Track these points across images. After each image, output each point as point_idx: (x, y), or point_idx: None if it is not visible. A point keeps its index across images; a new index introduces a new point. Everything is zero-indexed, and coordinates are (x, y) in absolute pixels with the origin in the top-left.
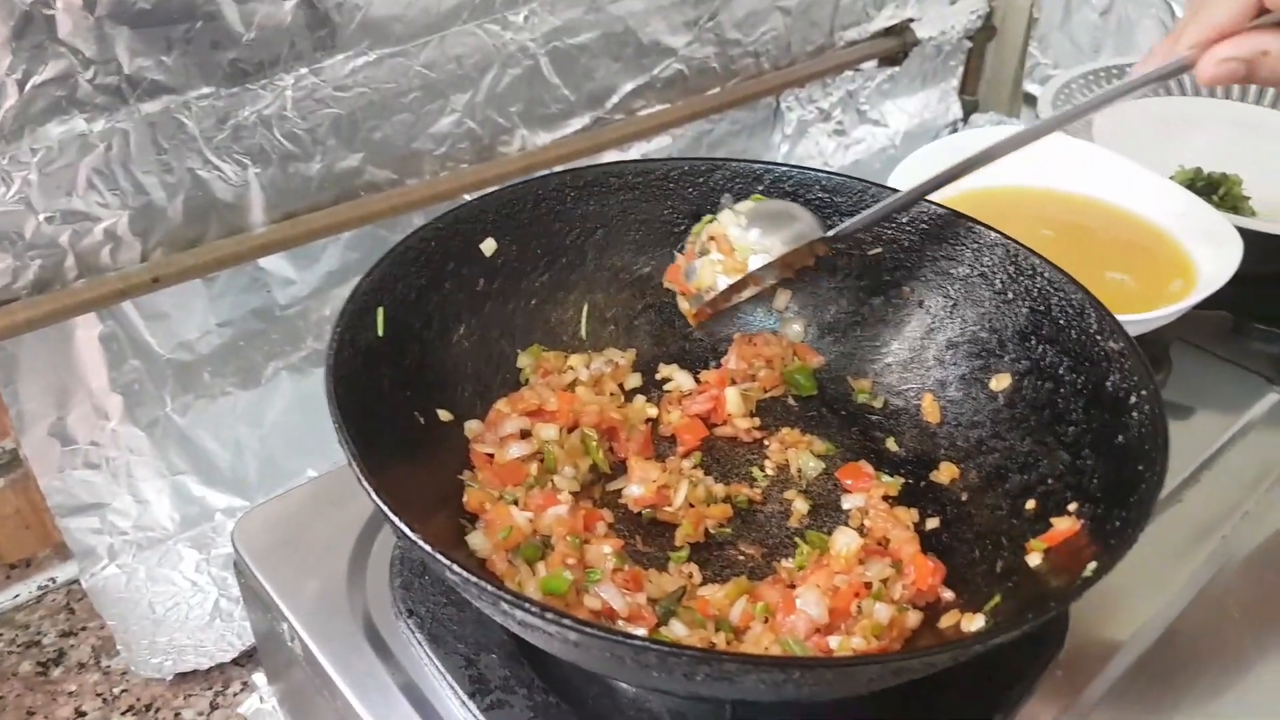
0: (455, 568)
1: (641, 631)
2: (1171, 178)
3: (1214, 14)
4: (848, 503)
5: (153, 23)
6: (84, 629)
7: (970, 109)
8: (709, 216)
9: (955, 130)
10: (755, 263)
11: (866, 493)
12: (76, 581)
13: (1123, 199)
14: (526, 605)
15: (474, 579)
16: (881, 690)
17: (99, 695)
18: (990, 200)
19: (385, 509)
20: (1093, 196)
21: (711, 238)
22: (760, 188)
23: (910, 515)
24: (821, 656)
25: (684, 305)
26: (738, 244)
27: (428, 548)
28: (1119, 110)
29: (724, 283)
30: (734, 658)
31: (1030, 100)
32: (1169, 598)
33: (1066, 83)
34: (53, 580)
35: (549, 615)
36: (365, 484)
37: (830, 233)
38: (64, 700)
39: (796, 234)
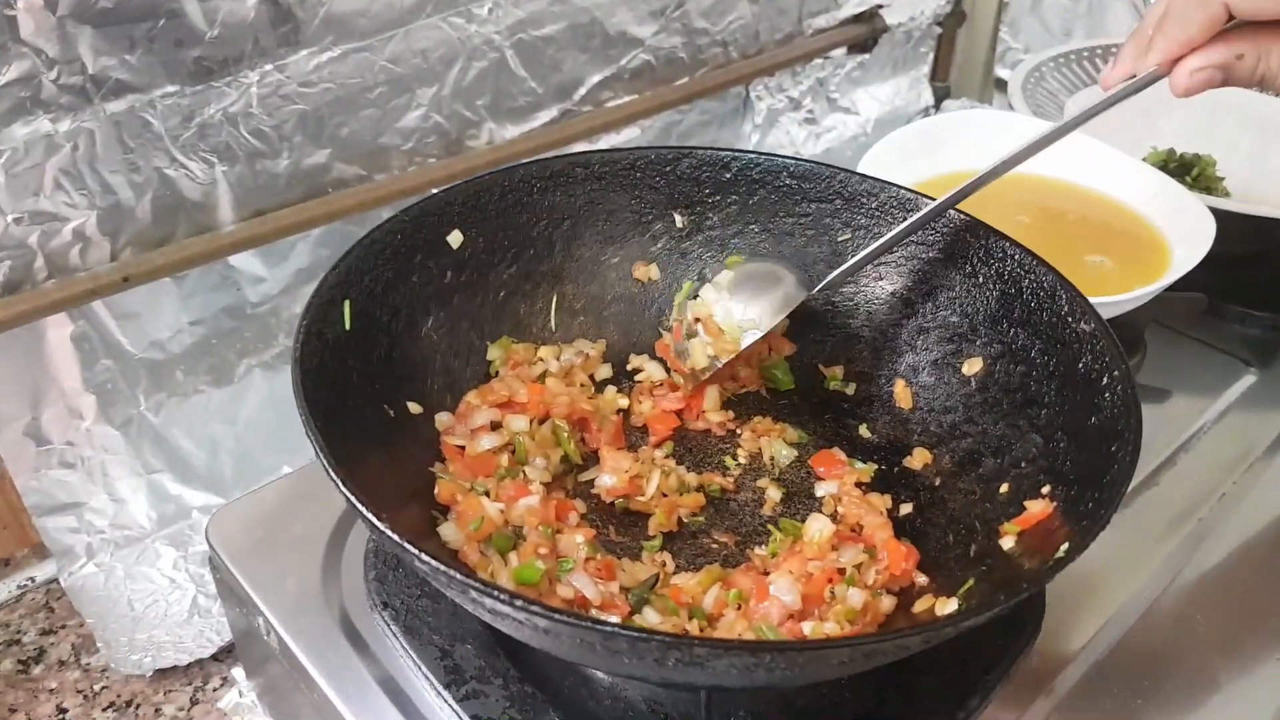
0: (424, 557)
1: (614, 619)
2: (1144, 159)
3: (1182, 28)
4: (821, 490)
5: (115, 21)
6: (64, 627)
7: (942, 95)
8: (690, 284)
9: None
10: (748, 340)
11: (839, 480)
12: (55, 580)
13: (1095, 181)
14: (495, 593)
15: (443, 568)
16: (859, 676)
17: (80, 692)
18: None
19: (353, 500)
20: (1065, 179)
21: (698, 319)
22: (728, 175)
23: (884, 501)
24: (792, 640)
25: (678, 377)
26: (726, 325)
27: (395, 537)
28: (1091, 93)
29: (719, 364)
30: (704, 642)
31: (1002, 85)
32: (1146, 580)
33: (1036, 66)
34: (32, 579)
35: (518, 603)
36: (333, 476)
37: (816, 289)
38: (45, 697)
39: (783, 299)
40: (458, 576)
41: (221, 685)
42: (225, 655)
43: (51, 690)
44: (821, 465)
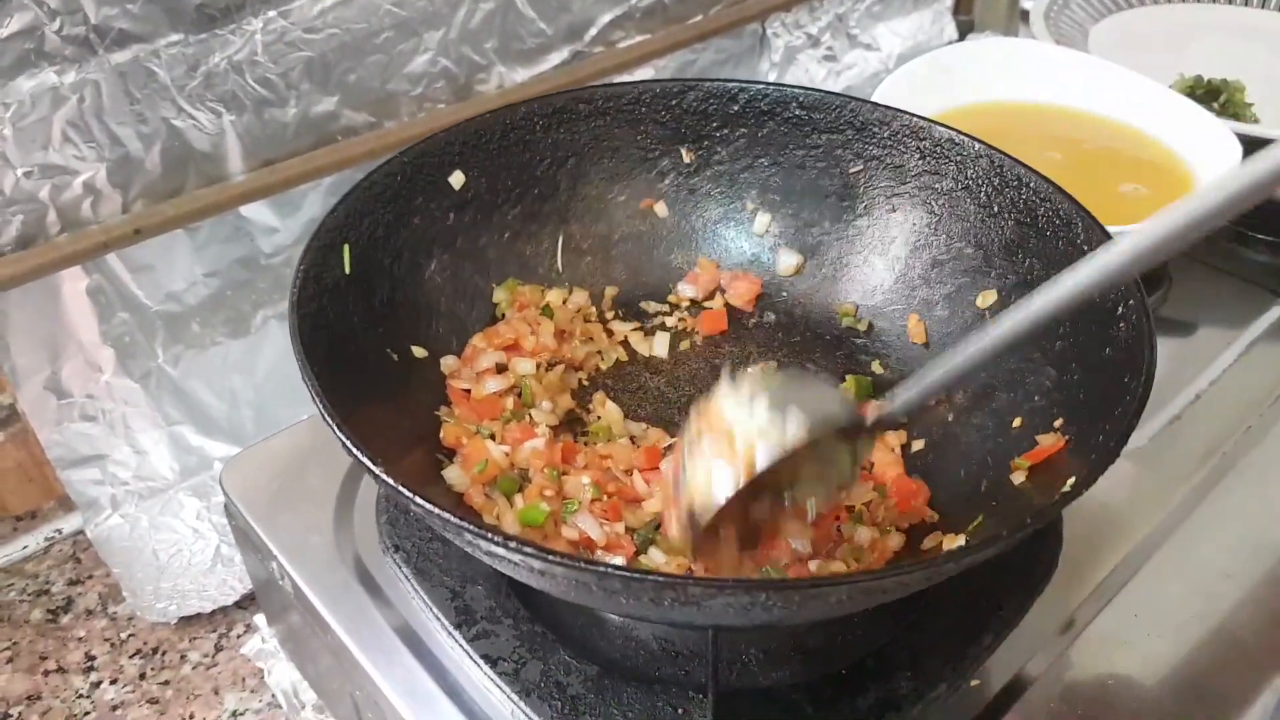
0: (418, 500)
1: (620, 560)
2: (1171, 86)
3: None
4: None
5: None
6: (90, 577)
7: (966, 29)
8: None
9: None
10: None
11: None
12: (82, 532)
13: (1120, 110)
14: (490, 535)
15: (437, 511)
16: (871, 614)
17: (107, 640)
18: (984, 115)
19: (348, 444)
20: (1089, 110)
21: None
22: (735, 107)
23: (897, 438)
24: (788, 579)
25: (672, 530)
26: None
27: (390, 480)
28: (1117, 20)
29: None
30: (698, 581)
31: (1027, 18)
32: (1165, 517)
33: None
34: (59, 531)
35: (511, 544)
36: (329, 420)
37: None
38: (74, 645)
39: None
40: (453, 520)
41: (245, 632)
42: (248, 603)
43: (80, 638)
44: None
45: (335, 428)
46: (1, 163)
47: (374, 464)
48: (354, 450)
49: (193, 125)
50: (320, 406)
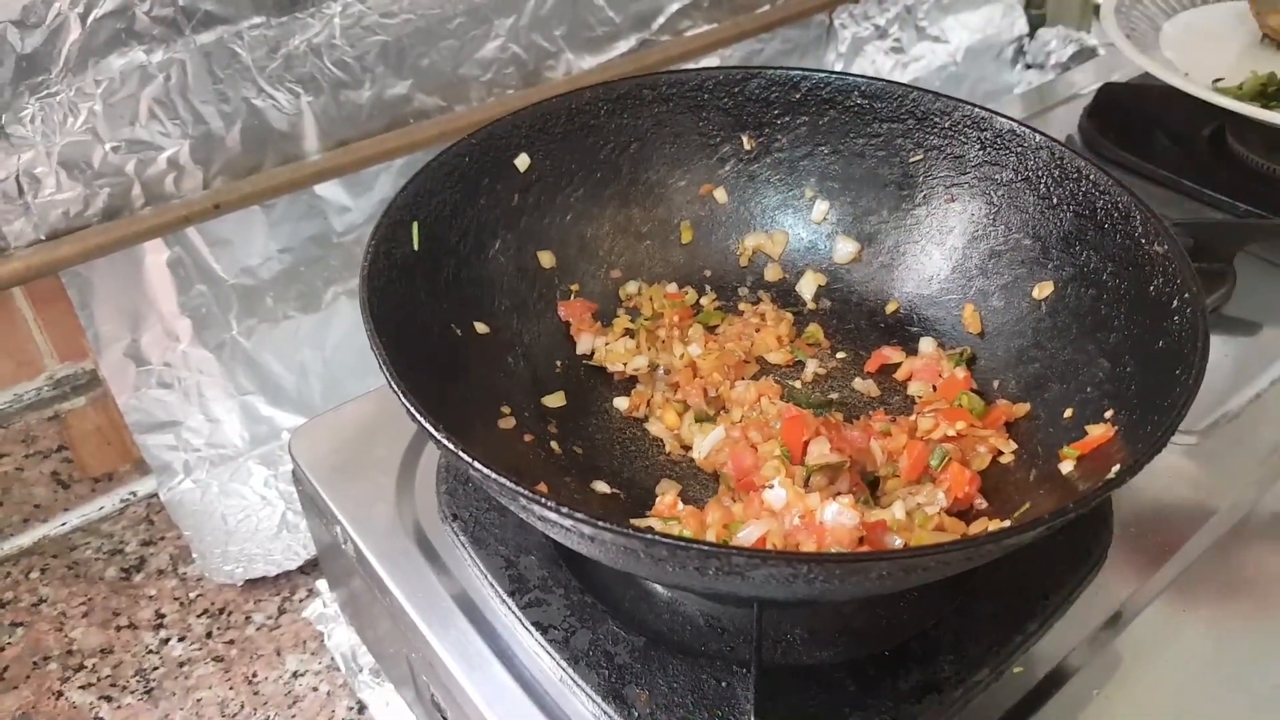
0: (477, 465)
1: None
2: (1242, 84)
3: None
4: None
5: None
6: (162, 539)
7: (1037, 23)
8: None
9: (1020, 47)
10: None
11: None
12: (155, 495)
13: None
14: (542, 500)
15: (494, 475)
16: (916, 597)
17: (176, 599)
18: None
19: (414, 411)
20: None
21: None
22: (797, 95)
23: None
24: (830, 552)
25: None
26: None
27: (451, 445)
28: (1189, 15)
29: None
30: (741, 552)
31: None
32: (1220, 514)
33: None
34: (133, 494)
35: (563, 510)
36: (395, 388)
37: None
38: (145, 603)
39: None
40: (508, 484)
41: (307, 596)
42: (311, 568)
43: (151, 597)
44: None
45: (402, 395)
46: (91, 137)
47: (437, 430)
48: (419, 418)
49: (272, 105)
50: (388, 376)
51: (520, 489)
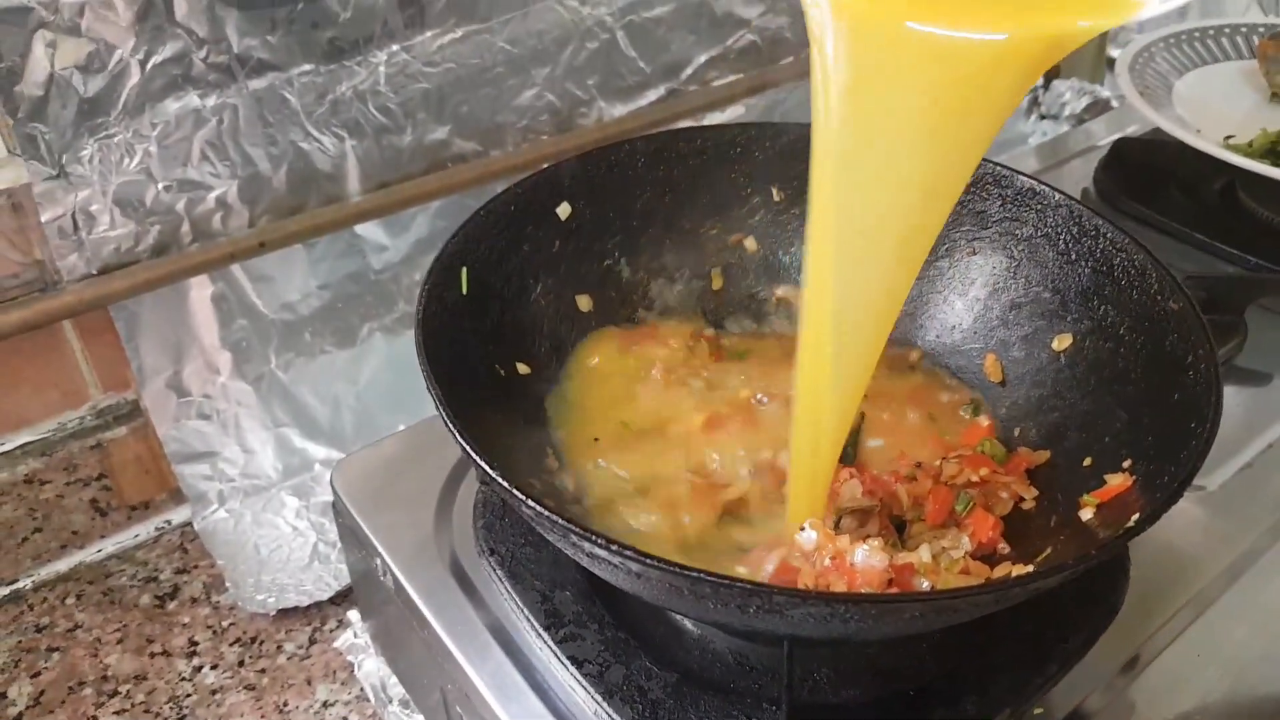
0: (530, 502)
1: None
2: (1252, 141)
3: None
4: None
5: (259, 5)
6: (196, 567)
7: (1051, 75)
8: None
9: (1036, 99)
10: None
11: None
12: (189, 523)
13: None
14: (592, 538)
15: (546, 513)
16: (939, 640)
17: (209, 627)
18: None
19: (469, 450)
20: None
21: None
22: None
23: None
24: (866, 594)
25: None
26: None
27: (505, 484)
28: (1202, 73)
29: None
30: (782, 591)
31: (1113, 66)
32: (1234, 560)
33: (1147, 45)
34: (168, 522)
35: (613, 548)
36: (452, 428)
37: None
38: (178, 631)
39: None
40: (560, 521)
41: (337, 627)
42: (341, 599)
43: (184, 624)
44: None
45: (458, 433)
46: (145, 177)
47: (492, 469)
48: (475, 457)
49: (318, 148)
50: (444, 415)
51: (573, 528)
